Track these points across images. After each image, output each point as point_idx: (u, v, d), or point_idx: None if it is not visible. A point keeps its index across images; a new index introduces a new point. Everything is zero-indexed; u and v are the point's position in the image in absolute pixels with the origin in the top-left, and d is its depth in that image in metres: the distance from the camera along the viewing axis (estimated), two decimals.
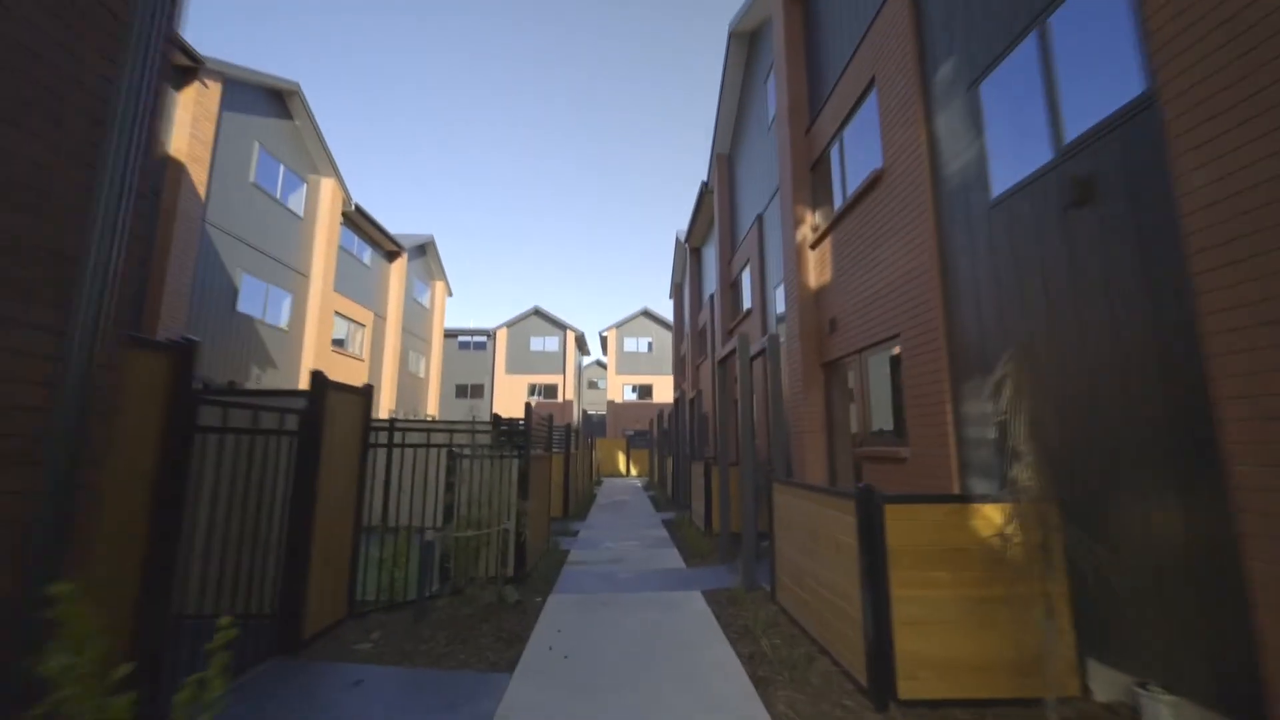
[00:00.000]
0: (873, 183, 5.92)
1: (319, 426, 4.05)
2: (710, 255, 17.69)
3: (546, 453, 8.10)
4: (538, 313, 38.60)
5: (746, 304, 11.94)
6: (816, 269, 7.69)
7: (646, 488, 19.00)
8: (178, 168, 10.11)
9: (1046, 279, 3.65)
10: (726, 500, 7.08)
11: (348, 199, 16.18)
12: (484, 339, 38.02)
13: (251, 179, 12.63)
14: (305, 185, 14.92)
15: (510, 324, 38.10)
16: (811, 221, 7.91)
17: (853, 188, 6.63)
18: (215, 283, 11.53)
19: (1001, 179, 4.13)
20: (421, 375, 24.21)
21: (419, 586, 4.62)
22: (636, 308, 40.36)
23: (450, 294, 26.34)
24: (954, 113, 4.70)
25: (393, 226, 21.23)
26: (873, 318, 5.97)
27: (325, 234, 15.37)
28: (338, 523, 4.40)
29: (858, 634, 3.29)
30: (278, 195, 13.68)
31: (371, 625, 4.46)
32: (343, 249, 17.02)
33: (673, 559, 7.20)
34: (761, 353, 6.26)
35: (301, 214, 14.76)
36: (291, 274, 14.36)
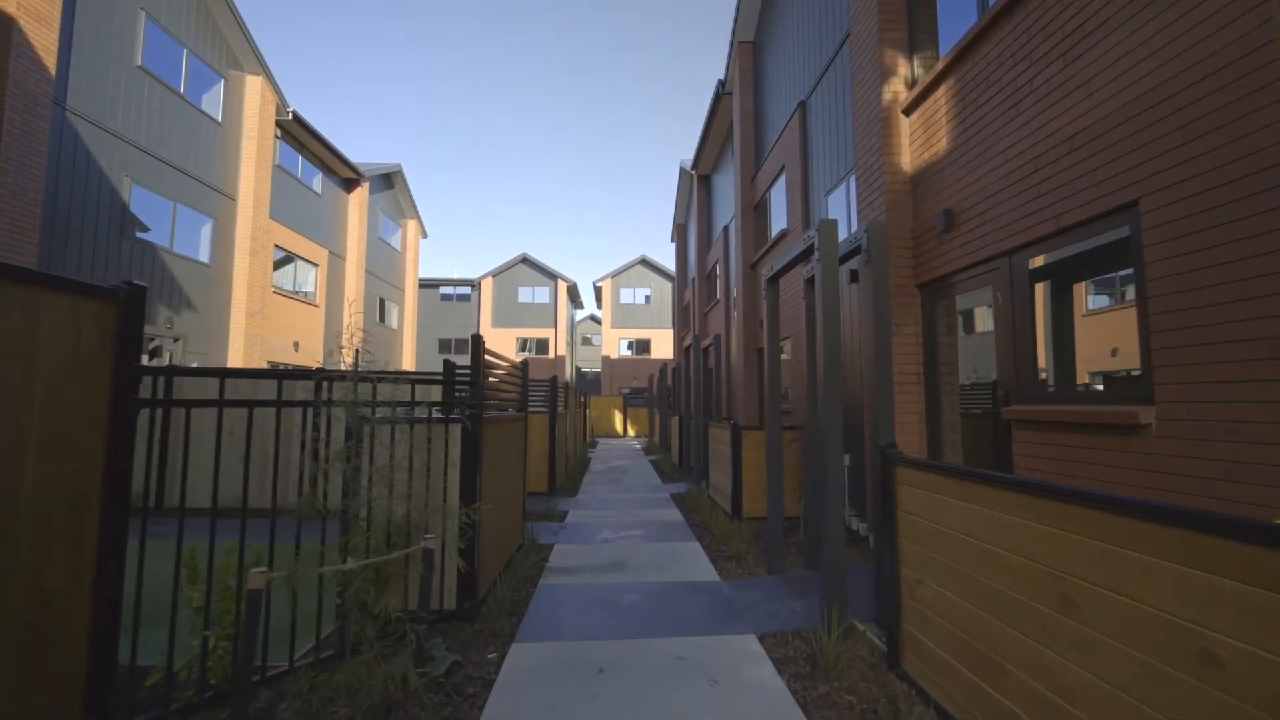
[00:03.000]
0: None
1: None
2: (724, 183, 14.97)
3: (520, 414, 5.80)
4: (526, 261, 35.69)
5: (780, 225, 9.42)
6: (917, 141, 5.19)
7: (647, 450, 16.93)
8: (3, 22, 7.26)
9: None
10: (777, 479, 4.84)
11: (282, 104, 13.18)
12: (468, 290, 35.29)
13: (137, 61, 9.71)
14: (223, 82, 11.94)
15: (496, 273, 35.27)
16: (906, 74, 5.35)
17: None
18: (89, 192, 8.83)
19: None
20: (394, 326, 21.67)
21: (242, 663, 2.38)
22: (634, 256, 37.51)
23: (425, 235, 23.46)
24: None
25: (355, 158, 18.28)
26: (1054, 188, 3.56)
27: (255, 146, 12.49)
28: (31, 564, 2.08)
29: None
30: (181, 89, 10.76)
31: None
32: (283, 169, 14.14)
33: (698, 563, 5.03)
34: (855, 252, 3.87)
35: (220, 119, 11.85)
36: (210, 194, 11.58)
